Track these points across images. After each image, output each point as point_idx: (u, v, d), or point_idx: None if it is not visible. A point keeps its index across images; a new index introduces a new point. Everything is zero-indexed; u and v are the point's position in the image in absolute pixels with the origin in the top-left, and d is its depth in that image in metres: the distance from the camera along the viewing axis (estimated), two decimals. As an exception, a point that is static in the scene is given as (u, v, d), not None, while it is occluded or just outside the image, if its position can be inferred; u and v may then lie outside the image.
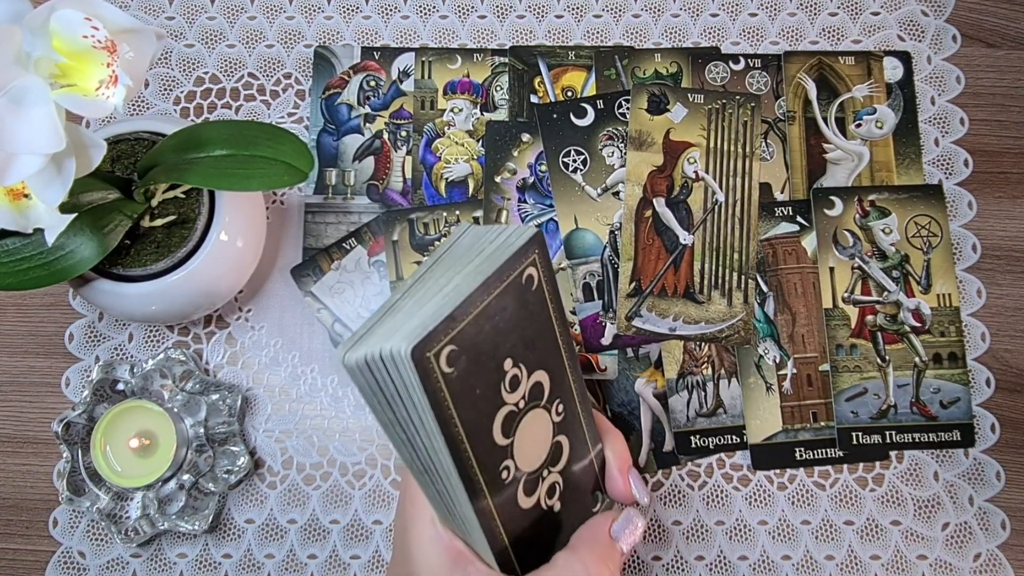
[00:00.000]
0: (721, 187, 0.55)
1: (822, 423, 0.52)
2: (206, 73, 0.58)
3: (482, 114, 0.57)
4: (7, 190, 0.35)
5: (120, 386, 0.51)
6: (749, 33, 0.59)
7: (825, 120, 0.57)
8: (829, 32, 0.59)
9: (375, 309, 0.33)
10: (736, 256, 0.54)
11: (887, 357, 0.53)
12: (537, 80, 0.57)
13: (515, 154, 0.56)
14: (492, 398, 0.31)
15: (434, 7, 0.59)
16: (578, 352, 0.53)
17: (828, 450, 0.52)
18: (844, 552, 0.51)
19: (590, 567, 0.34)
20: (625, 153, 0.55)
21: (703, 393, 0.53)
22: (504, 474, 0.32)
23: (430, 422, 0.29)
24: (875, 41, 0.58)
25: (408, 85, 0.57)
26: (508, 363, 0.31)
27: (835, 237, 0.54)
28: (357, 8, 0.59)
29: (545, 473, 0.35)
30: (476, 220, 0.55)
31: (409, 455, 0.32)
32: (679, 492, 0.52)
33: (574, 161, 0.55)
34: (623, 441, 0.39)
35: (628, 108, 0.56)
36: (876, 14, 0.59)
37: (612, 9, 0.59)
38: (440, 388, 0.28)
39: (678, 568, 0.51)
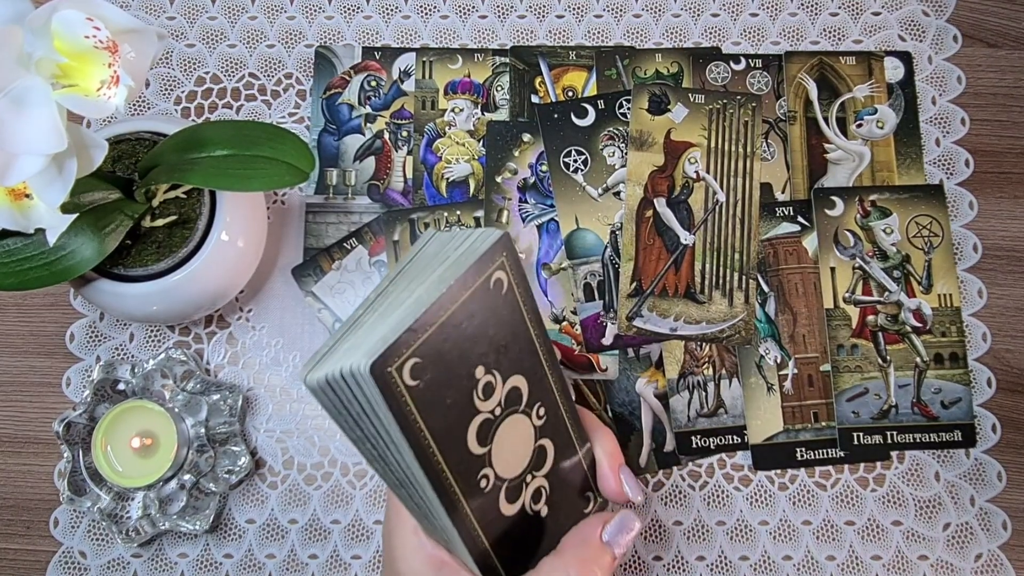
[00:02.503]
0: (722, 187, 0.55)
1: (823, 423, 0.52)
2: (207, 73, 0.58)
3: (483, 114, 0.57)
4: (8, 190, 0.35)
5: (121, 386, 0.51)
6: (750, 33, 0.59)
7: (826, 120, 0.57)
8: (830, 32, 0.59)
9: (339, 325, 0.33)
10: (737, 256, 0.54)
11: (888, 357, 0.53)
12: (538, 80, 0.57)
13: (516, 154, 0.56)
14: (464, 407, 0.30)
15: (435, 7, 0.59)
16: (579, 352, 0.53)
17: (829, 450, 0.52)
18: (845, 552, 0.51)
19: (576, 572, 0.34)
20: (626, 153, 0.55)
21: (704, 393, 0.53)
22: (483, 483, 0.32)
23: (398, 437, 0.28)
24: (876, 41, 0.58)
25: (409, 85, 0.57)
26: (480, 371, 0.30)
27: (836, 237, 0.54)
28: (358, 8, 0.59)
29: (529, 478, 0.34)
30: (477, 220, 0.55)
31: (382, 470, 0.32)
32: (680, 492, 0.52)
33: (575, 161, 0.55)
34: (613, 438, 0.39)
35: (629, 108, 0.56)
36: (877, 14, 0.59)
37: (613, 9, 0.59)
38: (405, 402, 0.28)
39: (679, 568, 0.51)
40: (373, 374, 0.26)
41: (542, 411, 0.34)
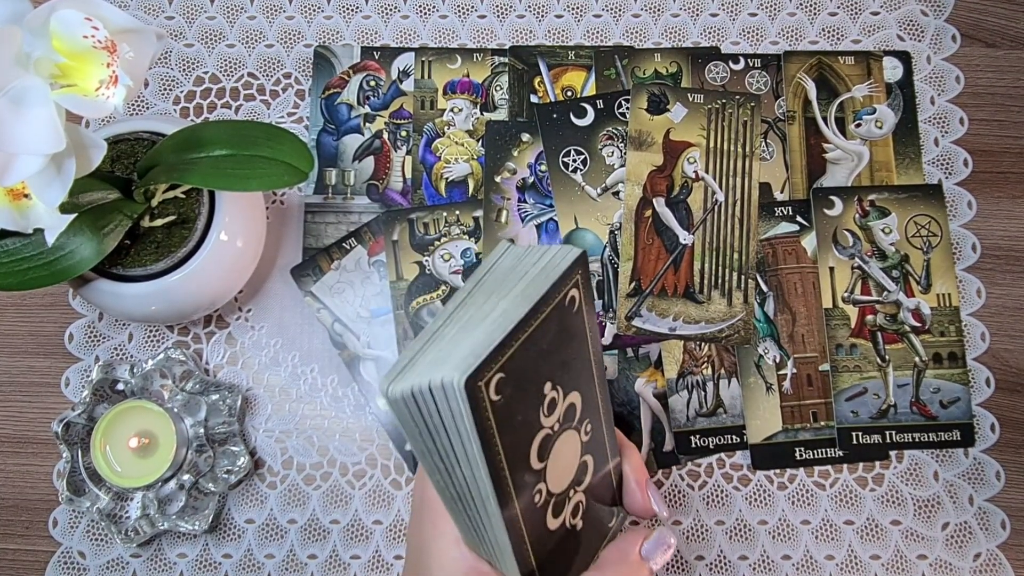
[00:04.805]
0: (721, 187, 0.55)
1: (822, 423, 0.52)
2: (206, 73, 0.58)
3: (482, 114, 0.57)
4: (7, 190, 0.35)
5: (120, 386, 0.51)
6: (749, 33, 0.59)
7: (825, 120, 0.57)
8: (829, 32, 0.59)
9: (416, 336, 0.32)
10: (736, 256, 0.54)
11: (887, 357, 0.53)
12: (537, 80, 0.57)
13: (515, 154, 0.56)
14: (532, 423, 0.30)
15: (434, 7, 0.59)
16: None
17: (828, 450, 0.52)
18: (844, 552, 0.51)
19: None
20: (625, 153, 0.55)
21: (703, 393, 0.53)
22: (536, 498, 0.32)
23: (475, 451, 0.28)
24: (875, 41, 0.58)
25: (408, 85, 0.57)
26: (548, 386, 0.31)
27: (835, 237, 0.54)
28: (357, 8, 0.59)
29: (571, 493, 0.34)
30: (476, 220, 0.55)
31: (444, 482, 0.32)
32: (679, 492, 0.52)
33: (574, 161, 0.55)
34: (639, 454, 0.39)
35: (628, 108, 0.56)
36: (876, 14, 0.59)
37: (612, 9, 0.59)
38: (488, 417, 0.28)
39: (678, 568, 0.51)
40: (466, 388, 0.26)
41: (589, 427, 0.34)
